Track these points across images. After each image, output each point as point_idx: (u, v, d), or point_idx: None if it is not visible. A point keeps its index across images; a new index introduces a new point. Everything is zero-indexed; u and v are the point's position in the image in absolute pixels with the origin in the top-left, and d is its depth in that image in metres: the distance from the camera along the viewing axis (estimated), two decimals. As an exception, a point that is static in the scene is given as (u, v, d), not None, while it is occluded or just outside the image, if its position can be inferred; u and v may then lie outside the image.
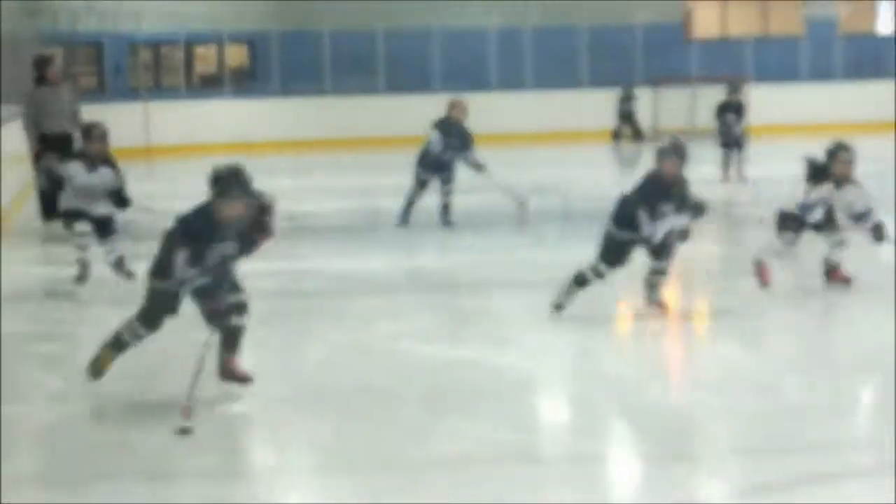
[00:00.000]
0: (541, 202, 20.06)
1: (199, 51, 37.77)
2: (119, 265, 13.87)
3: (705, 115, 34.22)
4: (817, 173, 12.86)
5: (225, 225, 9.13)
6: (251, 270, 15.14)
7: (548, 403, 9.84)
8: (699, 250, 17.22)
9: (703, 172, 24.75)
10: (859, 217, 12.76)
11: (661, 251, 12.10)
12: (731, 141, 23.97)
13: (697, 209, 12.04)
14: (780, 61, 37.08)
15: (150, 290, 9.47)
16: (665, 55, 37.42)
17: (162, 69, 37.56)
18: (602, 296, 13.42)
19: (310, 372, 10.58)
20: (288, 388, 10.03)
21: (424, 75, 36.57)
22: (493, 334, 11.94)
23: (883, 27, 40.16)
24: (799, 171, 12.82)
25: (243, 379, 9.57)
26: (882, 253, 13.23)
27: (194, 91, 36.45)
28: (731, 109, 24.11)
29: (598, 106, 35.42)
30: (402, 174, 19.18)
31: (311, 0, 36.57)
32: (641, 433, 8.91)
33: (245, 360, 10.77)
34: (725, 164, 23.99)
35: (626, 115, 35.60)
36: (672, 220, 11.90)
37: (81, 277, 13.84)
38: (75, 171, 13.58)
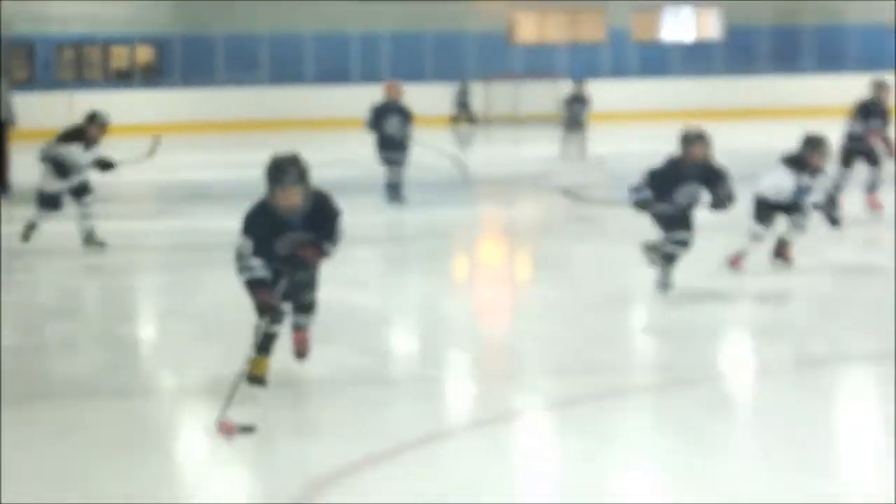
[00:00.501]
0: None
1: (115, 50, 37.34)
2: (90, 238, 13.23)
3: (527, 105, 34.72)
4: (792, 163, 11.35)
5: (286, 215, 7.49)
6: (155, 228, 15.12)
7: (396, 335, 9.82)
8: (526, 212, 17.39)
9: (538, 152, 25.02)
10: (820, 204, 11.42)
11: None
12: (576, 126, 24.13)
13: (721, 202, 10.41)
14: (586, 62, 37.26)
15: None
16: (493, 56, 37.53)
17: (83, 65, 37.17)
18: (440, 249, 13.48)
19: (204, 311, 10.49)
20: (187, 323, 9.97)
21: (299, 71, 36.49)
22: (354, 278, 11.91)
23: (665, 35, 40.50)
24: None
25: (300, 354, 8.07)
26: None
27: (110, 83, 36.11)
28: (577, 101, 24.29)
29: (439, 97, 35.46)
30: (281, 150, 18.83)
31: (208, 10, 36.38)
32: (472, 358, 8.95)
33: (151, 299, 10.65)
34: (567, 145, 24.07)
35: (462, 105, 35.69)
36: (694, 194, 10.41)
37: (26, 237, 13.26)
38: (75, 150, 13.07)
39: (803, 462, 6.25)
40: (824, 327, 9.37)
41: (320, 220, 7.64)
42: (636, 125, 32.62)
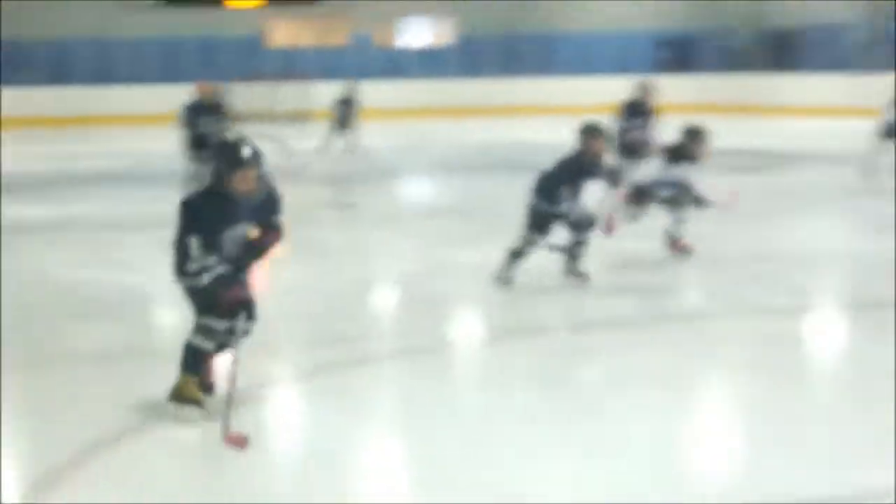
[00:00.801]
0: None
1: None
2: None
3: (281, 103, 34.52)
4: (673, 154, 10.96)
5: (238, 203, 6.35)
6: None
7: (163, 312, 9.70)
8: (288, 200, 17.29)
9: (297, 146, 24.83)
10: (698, 198, 10.98)
11: (581, 225, 9.88)
12: (346, 123, 24.06)
13: (612, 177, 9.98)
14: (330, 64, 37.19)
15: (185, 292, 6.49)
16: (251, 58, 37.29)
17: None
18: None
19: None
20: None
21: (72, 72, 35.72)
22: (125, 262, 11.75)
23: (400, 42, 40.82)
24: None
25: (208, 388, 6.67)
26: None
27: None
28: (348, 100, 24.19)
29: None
30: (57, 145, 18.56)
31: None
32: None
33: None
34: (332, 140, 23.95)
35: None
36: (590, 191, 9.96)
37: None
38: None
39: (532, 418, 6.45)
40: (552, 299, 9.62)
41: (267, 208, 6.58)
42: (379, 123, 32.85)
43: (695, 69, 36.69)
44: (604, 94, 35.84)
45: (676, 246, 11.24)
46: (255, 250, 6.45)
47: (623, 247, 11.34)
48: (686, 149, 10.93)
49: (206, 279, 6.25)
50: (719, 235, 12.26)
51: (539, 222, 9.87)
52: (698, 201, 11.03)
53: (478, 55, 38.85)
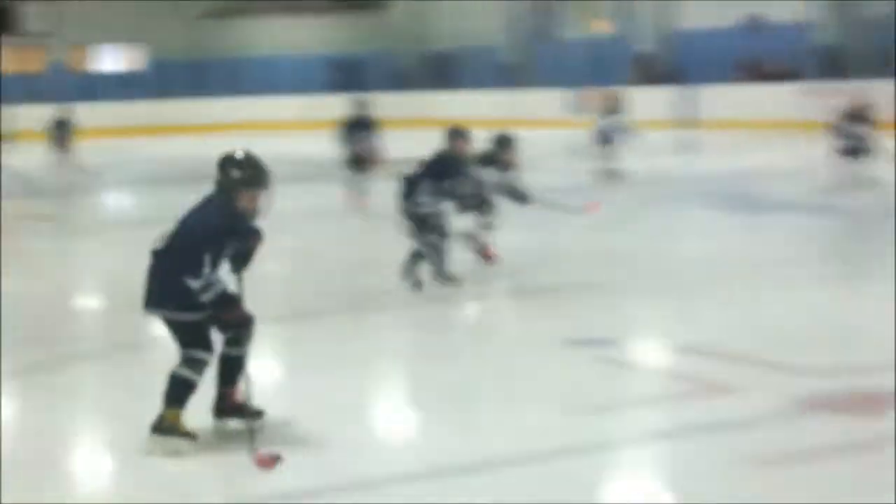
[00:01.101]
0: None
1: None
2: None
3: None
4: (481, 160, 10.27)
5: (243, 222, 5.70)
6: None
7: None
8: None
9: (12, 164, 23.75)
10: (515, 193, 10.49)
11: (437, 228, 9.48)
12: (62, 144, 22.78)
13: (479, 204, 9.93)
14: (30, 89, 35.97)
15: (169, 324, 5.80)
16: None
17: None
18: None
19: None
20: None
21: None
22: None
23: (95, 68, 40.08)
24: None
25: (252, 414, 5.80)
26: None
27: None
28: (63, 122, 22.91)
29: None
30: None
31: None
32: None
33: None
34: (51, 159, 22.67)
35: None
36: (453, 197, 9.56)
37: None
38: None
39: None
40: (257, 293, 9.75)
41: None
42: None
43: (364, 88, 37.30)
44: (284, 110, 36.48)
45: (483, 253, 10.56)
46: (245, 259, 5.75)
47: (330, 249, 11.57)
48: (495, 155, 10.44)
49: (213, 293, 5.61)
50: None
51: (420, 224, 9.45)
52: (511, 195, 10.56)
53: (169, 78, 38.43)
